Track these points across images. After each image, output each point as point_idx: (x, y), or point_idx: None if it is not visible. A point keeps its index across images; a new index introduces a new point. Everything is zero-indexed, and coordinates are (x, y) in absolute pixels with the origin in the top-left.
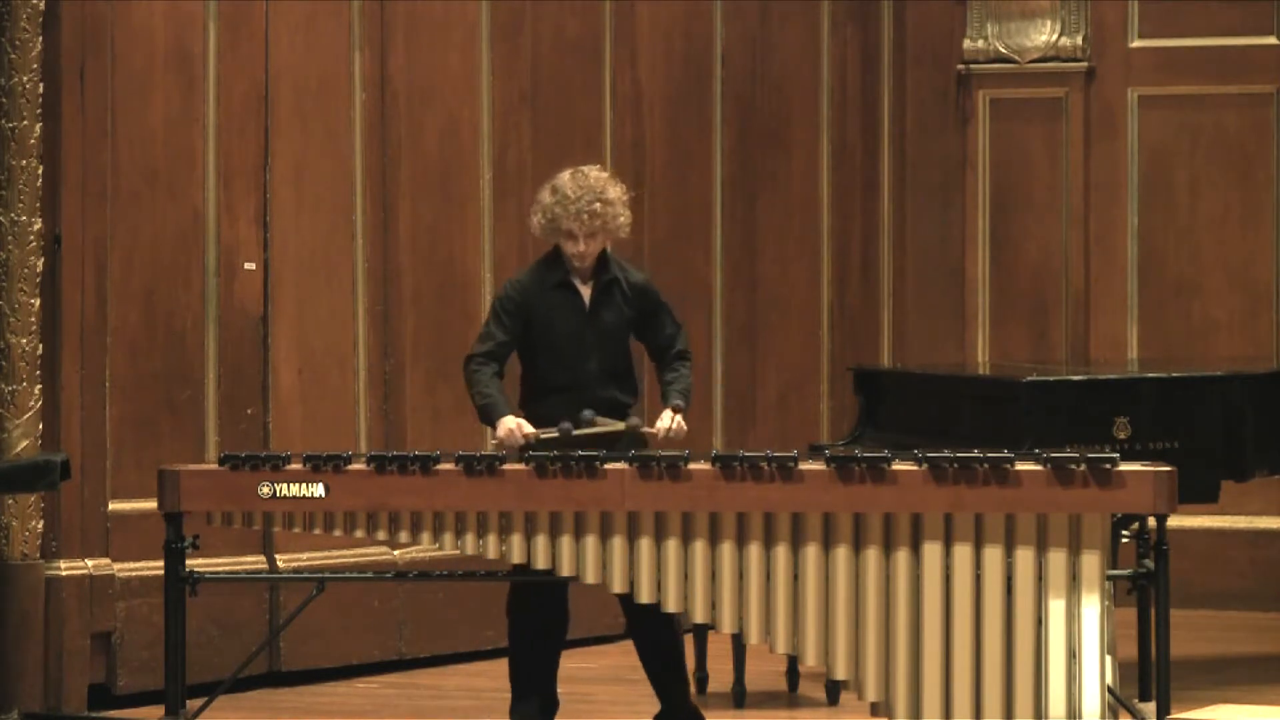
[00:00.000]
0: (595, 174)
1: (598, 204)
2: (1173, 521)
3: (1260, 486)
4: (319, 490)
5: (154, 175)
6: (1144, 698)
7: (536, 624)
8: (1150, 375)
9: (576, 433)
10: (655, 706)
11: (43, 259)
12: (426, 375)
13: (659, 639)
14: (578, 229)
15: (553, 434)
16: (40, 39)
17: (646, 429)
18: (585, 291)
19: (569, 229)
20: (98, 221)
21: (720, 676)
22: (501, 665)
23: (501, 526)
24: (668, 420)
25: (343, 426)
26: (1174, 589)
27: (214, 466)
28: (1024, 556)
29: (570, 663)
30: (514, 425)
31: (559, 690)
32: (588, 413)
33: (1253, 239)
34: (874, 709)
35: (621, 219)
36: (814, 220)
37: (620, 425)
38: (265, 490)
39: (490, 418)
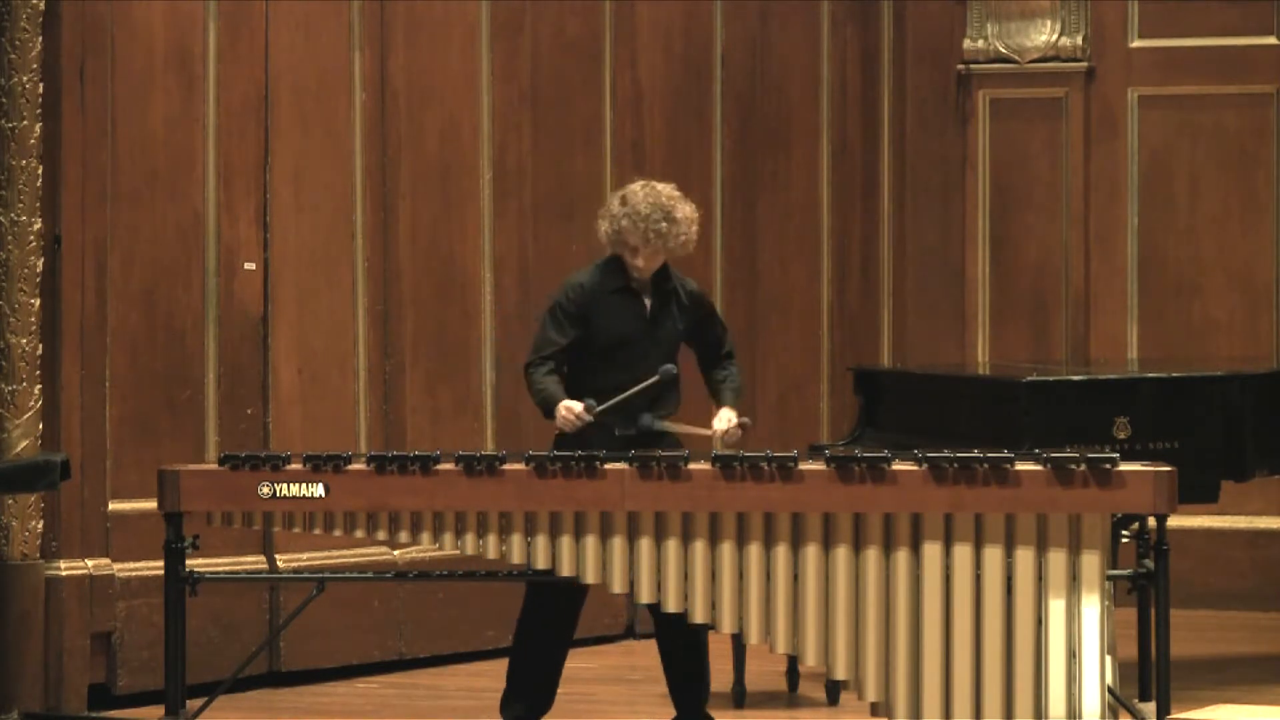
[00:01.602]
0: (668, 192)
1: (664, 223)
2: (1173, 521)
3: (1260, 486)
4: (319, 490)
5: (154, 175)
6: (1144, 698)
7: (550, 635)
8: (1150, 375)
9: (619, 399)
10: (654, 707)
11: (43, 259)
12: (426, 375)
13: (686, 649)
14: (642, 246)
15: (605, 406)
16: (40, 39)
17: (702, 430)
18: (646, 299)
19: (634, 244)
20: (98, 221)
21: (720, 676)
22: (502, 665)
23: (501, 526)
24: (724, 422)
25: (343, 426)
26: (1174, 589)
27: (214, 466)
28: (1024, 556)
29: (570, 663)
30: (565, 409)
31: (558, 690)
32: (647, 416)
33: (1253, 239)
34: (874, 709)
35: (684, 238)
36: (814, 220)
37: (655, 378)
38: (265, 490)
39: (549, 409)
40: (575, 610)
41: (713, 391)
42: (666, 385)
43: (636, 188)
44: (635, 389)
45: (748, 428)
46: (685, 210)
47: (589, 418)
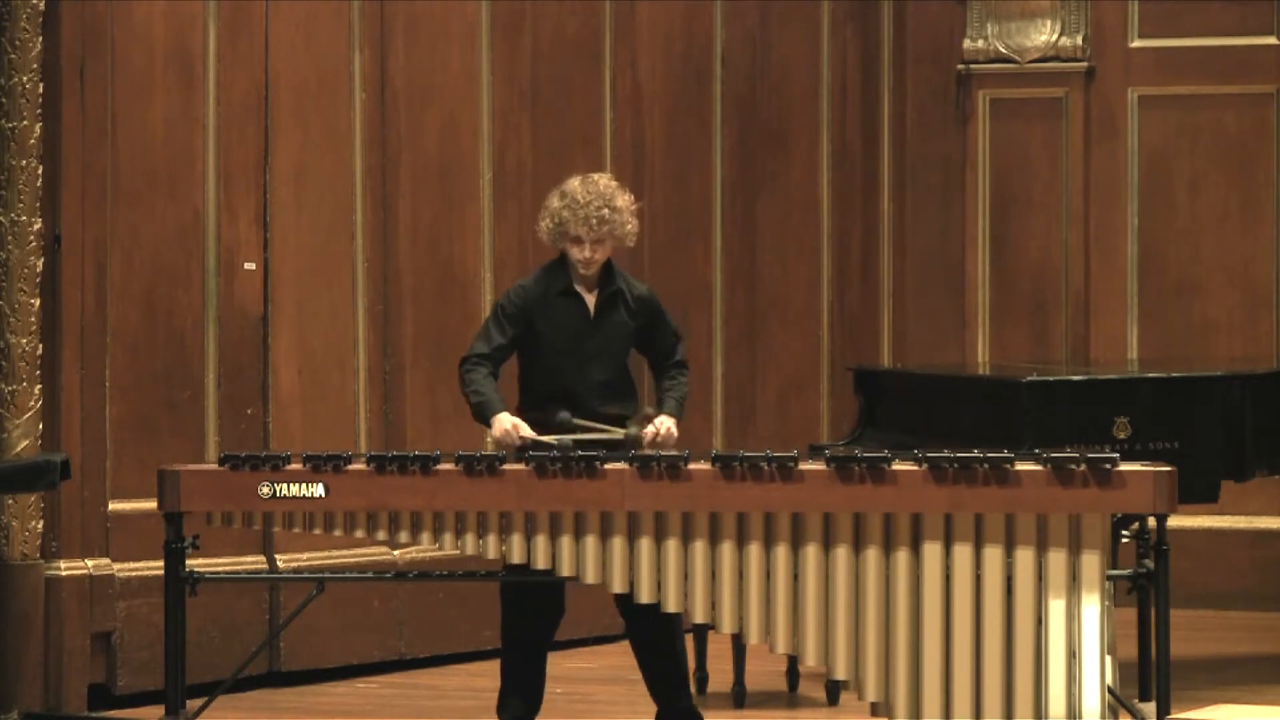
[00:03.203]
0: (604, 181)
1: (606, 210)
2: (1173, 521)
3: (1260, 486)
4: (319, 490)
5: (154, 175)
6: (1144, 698)
7: (530, 633)
8: (1150, 375)
9: (573, 438)
10: (654, 707)
11: (43, 259)
12: (426, 375)
13: (656, 639)
14: (585, 234)
15: (550, 440)
16: (40, 39)
17: (614, 431)
18: (590, 300)
19: (577, 234)
20: (98, 221)
21: (720, 676)
22: None
23: (501, 526)
24: (659, 426)
25: (343, 426)
26: (1174, 589)
27: (214, 466)
28: (1024, 556)
29: (570, 663)
30: (510, 425)
31: (558, 690)
32: (564, 414)
33: (1253, 239)
34: (874, 709)
35: (629, 226)
36: (814, 220)
37: (619, 433)
38: (265, 490)
39: (485, 415)
40: (555, 604)
41: (658, 399)
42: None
43: (574, 181)
44: (586, 436)
45: (671, 441)
46: (624, 200)
47: (528, 442)
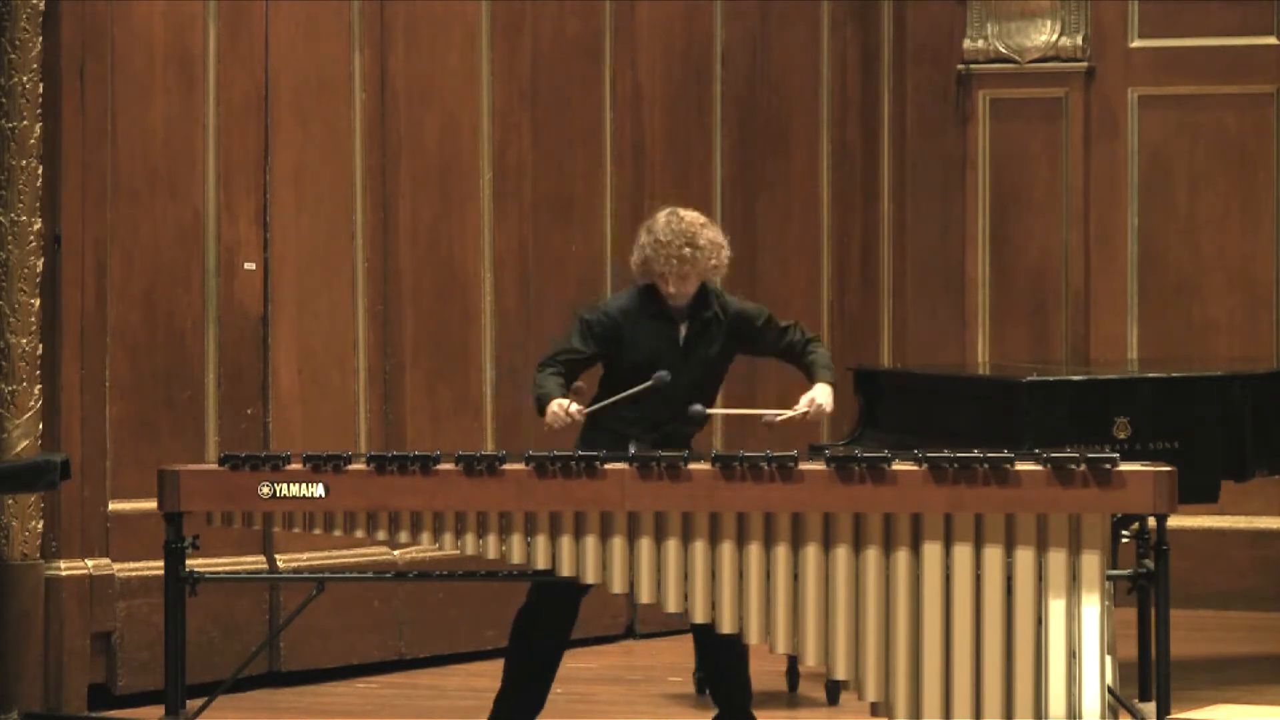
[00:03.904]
0: (690, 217)
1: (687, 249)
2: (1173, 521)
3: (1260, 486)
4: (319, 490)
5: (154, 175)
6: (1144, 698)
7: (546, 640)
8: (1150, 375)
9: (609, 401)
10: (654, 706)
11: (43, 259)
12: (426, 375)
13: (729, 669)
14: (668, 272)
15: (594, 407)
16: (40, 39)
17: (784, 413)
18: (681, 328)
19: (661, 271)
20: (98, 221)
21: None
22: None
23: (501, 526)
24: (815, 397)
25: (343, 426)
26: (1174, 589)
27: (214, 466)
28: (1024, 556)
29: (570, 663)
30: (557, 406)
31: (558, 690)
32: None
33: (1253, 239)
34: (874, 709)
35: (713, 262)
36: (814, 220)
37: (649, 383)
38: (265, 490)
39: (540, 406)
40: (574, 612)
41: (807, 374)
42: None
43: (661, 216)
44: (627, 393)
45: (821, 413)
46: (709, 235)
47: (578, 416)
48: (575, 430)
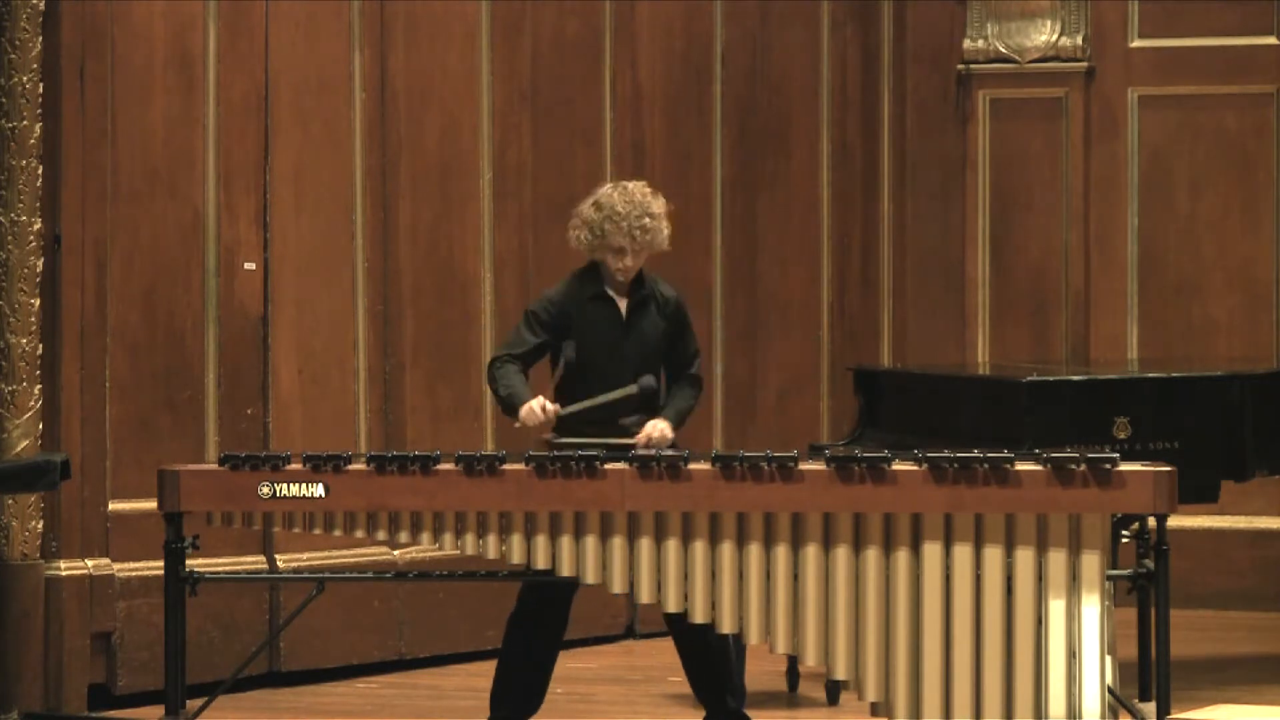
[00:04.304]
0: (640, 189)
1: (646, 219)
2: (1173, 521)
3: (1260, 486)
4: (319, 490)
5: (154, 175)
6: (1144, 698)
7: (538, 642)
8: (1150, 375)
9: (589, 404)
10: (654, 706)
11: (43, 259)
12: (426, 375)
13: (703, 646)
14: (628, 245)
15: (573, 408)
16: (40, 39)
17: (634, 434)
18: (622, 304)
19: (619, 245)
20: (98, 221)
21: None
22: None
23: (501, 526)
24: (652, 428)
25: (343, 426)
26: (1174, 589)
27: (214, 466)
28: (1024, 556)
29: (570, 663)
30: (534, 404)
31: (558, 690)
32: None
33: (1253, 239)
34: (874, 709)
35: (665, 233)
36: (814, 220)
37: (632, 389)
38: (265, 490)
39: (512, 406)
40: (565, 613)
41: (663, 406)
42: (646, 397)
43: (608, 189)
44: (607, 397)
45: (664, 444)
46: (659, 205)
47: (553, 418)
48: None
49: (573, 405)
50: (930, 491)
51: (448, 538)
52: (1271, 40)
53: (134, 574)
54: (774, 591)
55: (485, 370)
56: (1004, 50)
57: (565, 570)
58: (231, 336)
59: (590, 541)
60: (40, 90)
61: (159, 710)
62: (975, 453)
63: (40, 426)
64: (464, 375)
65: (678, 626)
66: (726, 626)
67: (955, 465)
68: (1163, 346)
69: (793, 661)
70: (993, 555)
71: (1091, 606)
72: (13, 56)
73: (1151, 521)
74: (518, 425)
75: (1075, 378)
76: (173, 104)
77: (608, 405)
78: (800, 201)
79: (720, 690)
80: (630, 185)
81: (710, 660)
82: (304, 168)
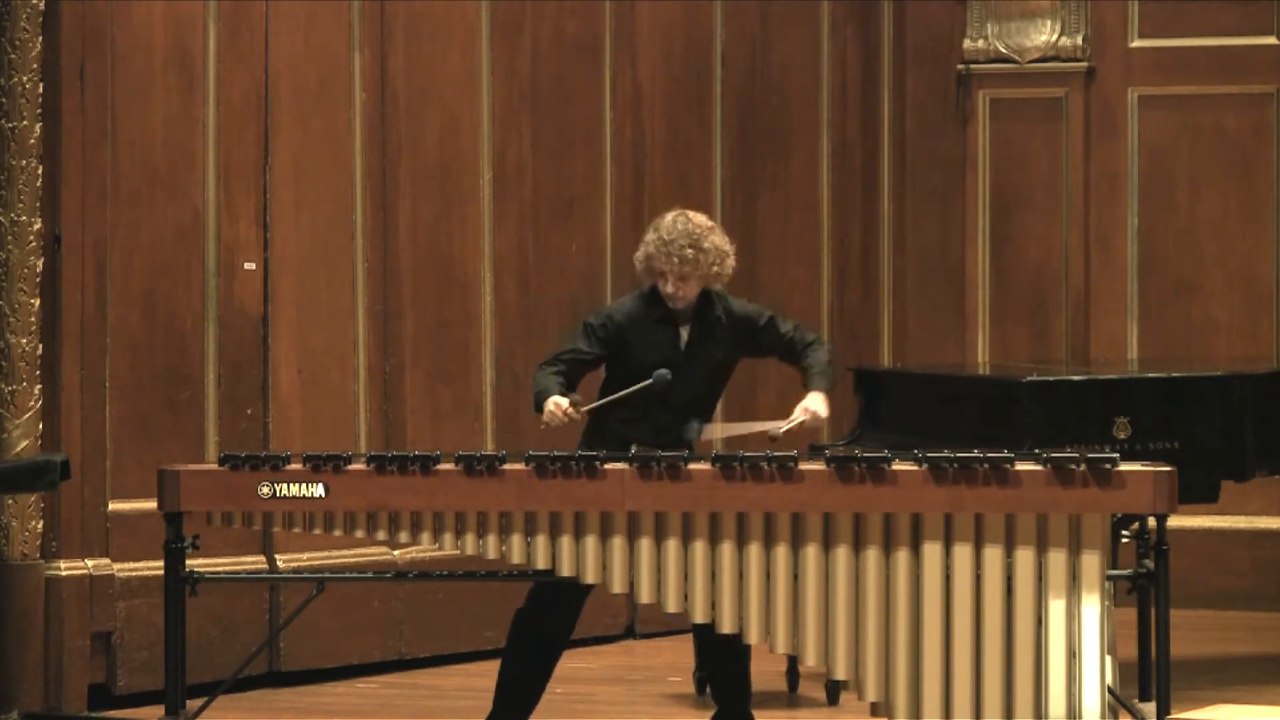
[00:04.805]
0: (698, 220)
1: (690, 250)
2: (1173, 521)
3: (1260, 486)
4: (319, 490)
5: (154, 175)
6: (1144, 698)
7: (541, 642)
8: (1150, 375)
9: (608, 400)
10: (654, 706)
11: (43, 259)
12: (426, 375)
13: (729, 648)
14: (669, 271)
15: (592, 404)
16: (40, 39)
17: (785, 424)
18: (684, 330)
19: (661, 270)
20: (98, 221)
21: None
22: None
23: (501, 526)
24: (799, 412)
25: (343, 426)
26: (1174, 589)
27: (214, 466)
28: (1024, 556)
29: (570, 663)
30: (554, 404)
31: (558, 690)
32: (696, 423)
33: (1253, 239)
34: (874, 709)
35: (716, 268)
36: (814, 220)
37: (649, 382)
38: (265, 490)
39: (538, 403)
40: (574, 617)
41: (803, 380)
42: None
43: (669, 216)
44: (626, 391)
45: (818, 421)
46: (715, 240)
47: (575, 415)
48: (575, 431)
49: (592, 403)
50: (930, 491)
51: (448, 538)
52: (1271, 40)
53: (134, 574)
54: (774, 591)
55: (489, 365)
56: (1004, 50)
57: (565, 570)
58: (231, 336)
59: (590, 541)
60: (40, 90)
61: (159, 710)
62: (975, 453)
63: (40, 426)
64: (464, 375)
65: (706, 633)
66: (726, 626)
67: (955, 465)
68: (1163, 346)
69: (793, 661)
70: (993, 555)
71: (1091, 606)
72: (13, 56)
73: (1151, 521)
74: (542, 427)
75: (1075, 378)
76: (173, 104)
77: (627, 398)
78: (800, 201)
79: (736, 693)
80: (693, 215)
81: (734, 665)
82: (304, 168)
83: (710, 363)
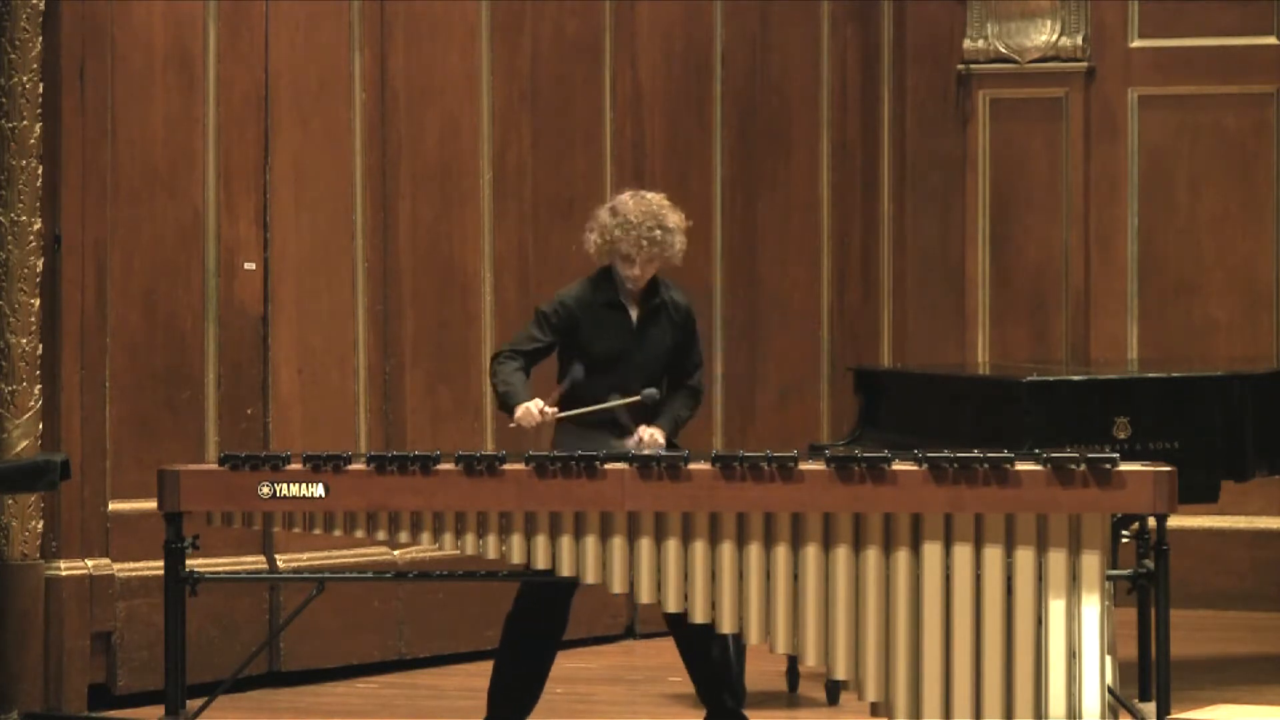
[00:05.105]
0: (657, 200)
1: (658, 230)
2: (1173, 521)
3: (1260, 486)
4: (319, 490)
5: (154, 175)
6: (1144, 698)
7: (535, 642)
8: (1150, 375)
9: (589, 410)
10: (654, 706)
11: (43, 259)
12: (426, 375)
13: (703, 645)
14: (636, 254)
15: (573, 413)
16: (40, 39)
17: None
18: (634, 312)
19: (628, 253)
20: (98, 221)
21: None
22: None
23: (501, 526)
24: (644, 432)
25: (343, 426)
26: (1174, 589)
27: (214, 466)
28: (1024, 556)
29: (570, 663)
30: (534, 408)
31: (558, 690)
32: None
33: (1253, 239)
34: (874, 709)
35: (678, 246)
36: (814, 220)
37: (635, 399)
38: (265, 490)
39: (508, 404)
40: (564, 614)
41: (660, 409)
42: (647, 409)
43: (626, 197)
44: (609, 405)
45: (654, 446)
46: (676, 219)
47: (549, 418)
48: (546, 429)
49: (573, 410)
50: (930, 491)
51: (448, 538)
52: (1271, 40)
53: (134, 574)
54: (774, 591)
55: (487, 365)
56: (1004, 50)
57: (565, 570)
58: (231, 336)
59: (590, 541)
60: (40, 90)
61: (159, 710)
62: (975, 453)
63: (40, 426)
64: (464, 375)
65: (678, 626)
66: (726, 626)
67: (955, 465)
68: (1163, 346)
69: (793, 661)
70: (993, 555)
71: (1091, 606)
72: (13, 56)
73: (1151, 521)
74: (512, 425)
75: (1075, 378)
76: (173, 104)
77: (607, 412)
78: (800, 201)
79: (720, 689)
80: (649, 195)
81: (710, 660)
82: (304, 168)
83: (660, 346)
